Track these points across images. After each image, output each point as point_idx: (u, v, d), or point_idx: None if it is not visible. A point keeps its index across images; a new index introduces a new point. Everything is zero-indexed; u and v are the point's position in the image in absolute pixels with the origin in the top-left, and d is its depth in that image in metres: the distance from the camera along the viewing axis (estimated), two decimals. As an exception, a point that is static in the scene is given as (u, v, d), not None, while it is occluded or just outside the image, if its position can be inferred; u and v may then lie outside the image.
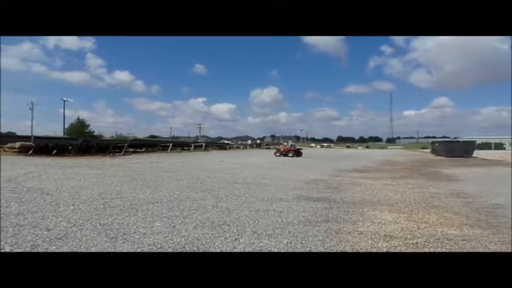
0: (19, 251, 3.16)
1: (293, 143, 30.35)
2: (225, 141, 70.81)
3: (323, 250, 3.41)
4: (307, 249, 3.43)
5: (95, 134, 42.25)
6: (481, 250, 3.49)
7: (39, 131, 34.48)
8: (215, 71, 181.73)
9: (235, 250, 3.36)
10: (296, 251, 3.38)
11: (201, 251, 3.32)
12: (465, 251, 3.45)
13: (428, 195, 7.28)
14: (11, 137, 26.97)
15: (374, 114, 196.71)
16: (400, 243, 3.70)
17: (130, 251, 3.25)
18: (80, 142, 21.99)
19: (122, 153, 22.92)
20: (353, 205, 5.95)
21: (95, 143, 23.84)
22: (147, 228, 4.04)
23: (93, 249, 3.25)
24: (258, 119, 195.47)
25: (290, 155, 25.66)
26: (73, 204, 5.31)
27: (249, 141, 79.51)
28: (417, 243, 3.70)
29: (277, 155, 26.26)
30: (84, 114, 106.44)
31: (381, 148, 79.40)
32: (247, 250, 3.37)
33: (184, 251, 3.30)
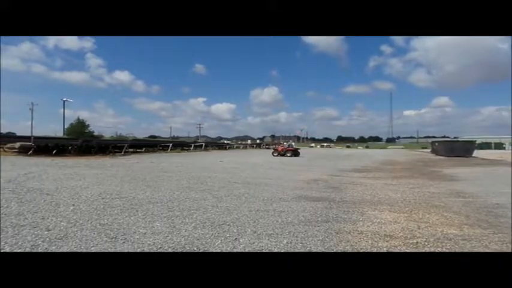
0: (19, 251, 3.16)
1: (291, 143, 30.34)
2: (225, 141, 70.82)
3: (323, 250, 3.41)
4: (307, 249, 3.43)
5: (94, 134, 42.24)
6: (481, 250, 3.49)
7: (39, 131, 34.56)
8: (215, 71, 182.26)
9: (235, 250, 3.36)
10: (296, 251, 3.38)
11: (201, 251, 3.31)
12: (465, 251, 3.45)
13: (429, 195, 7.28)
14: (11, 137, 27.00)
15: (374, 114, 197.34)
16: (400, 243, 3.70)
17: (130, 251, 3.25)
18: (80, 142, 22.00)
19: (122, 153, 22.92)
20: (353, 205, 5.94)
21: (95, 143, 23.85)
22: (147, 228, 4.04)
23: (93, 249, 3.25)
24: (258, 118, 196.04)
25: (288, 154, 25.63)
26: (73, 205, 5.31)
27: (249, 141, 79.56)
28: (417, 243, 3.70)
29: (275, 154, 26.24)
30: (84, 115, 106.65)
31: (381, 148, 79.39)
32: (247, 250, 3.37)
33: (184, 251, 3.30)
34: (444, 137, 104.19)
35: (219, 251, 3.33)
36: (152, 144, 33.14)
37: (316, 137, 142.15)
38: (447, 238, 3.89)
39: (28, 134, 23.46)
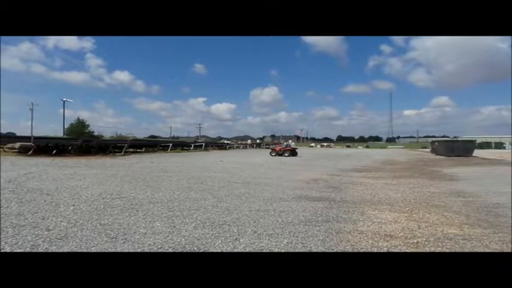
0: (19, 251, 3.16)
1: (289, 143, 30.43)
2: (225, 141, 70.83)
3: (323, 250, 3.42)
4: (307, 249, 3.43)
5: (94, 134, 42.23)
6: (481, 249, 3.49)
7: (39, 131, 34.56)
8: (215, 70, 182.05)
9: (235, 250, 3.36)
10: (296, 251, 3.38)
11: (201, 251, 3.32)
12: (465, 251, 3.45)
13: (429, 195, 7.28)
14: (11, 137, 26.97)
15: (374, 114, 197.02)
16: (401, 242, 3.70)
17: (130, 251, 3.25)
18: (80, 142, 22.00)
19: (122, 153, 22.93)
20: (353, 205, 5.94)
21: (95, 143, 23.84)
22: (147, 228, 4.04)
23: (93, 249, 3.25)
24: (258, 118, 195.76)
25: (286, 154, 25.69)
26: (73, 205, 5.32)
27: (249, 141, 79.58)
28: (418, 242, 3.70)
29: (272, 154, 26.25)
30: (84, 115, 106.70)
31: (381, 147, 79.39)
32: (247, 250, 3.37)
33: (185, 251, 3.30)
34: (444, 136, 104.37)
35: (219, 251, 3.33)
36: (152, 144, 33.15)
37: (316, 137, 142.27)
38: (447, 238, 3.89)
39: (28, 134, 23.45)
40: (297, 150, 27.70)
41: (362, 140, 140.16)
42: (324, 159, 23.24)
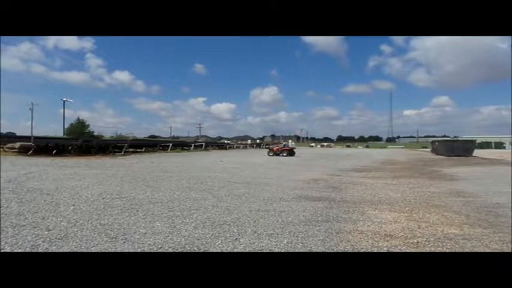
0: (19, 251, 3.16)
1: (286, 143, 30.54)
2: (225, 141, 70.84)
3: (323, 250, 3.42)
4: (307, 249, 3.43)
5: (94, 134, 42.23)
6: (481, 249, 3.50)
7: (39, 131, 34.56)
8: (215, 70, 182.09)
9: (235, 250, 3.36)
10: (296, 251, 3.38)
11: (201, 251, 3.32)
12: (465, 251, 3.45)
13: (429, 195, 7.28)
14: (11, 137, 26.96)
15: (374, 114, 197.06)
16: (401, 242, 3.70)
17: (130, 251, 3.25)
18: (80, 142, 22.00)
19: (122, 153, 22.93)
20: (353, 205, 5.94)
21: (95, 143, 23.84)
22: (147, 228, 4.04)
23: (93, 249, 3.25)
24: (258, 118, 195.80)
25: (284, 154, 25.74)
26: (73, 205, 5.32)
27: (249, 141, 79.59)
28: (418, 242, 3.70)
29: (270, 154, 26.26)
30: (84, 115, 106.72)
31: (381, 147, 79.39)
32: (247, 250, 3.37)
33: (185, 251, 3.30)
34: (444, 136, 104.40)
35: (219, 251, 3.33)
36: (152, 144, 33.15)
37: (316, 137, 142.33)
38: (447, 238, 3.89)
39: (28, 134, 23.45)
40: (294, 150, 27.77)
41: (362, 140, 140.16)
42: (324, 159, 23.24)
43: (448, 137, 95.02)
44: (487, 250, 3.47)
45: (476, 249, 3.49)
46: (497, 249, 3.49)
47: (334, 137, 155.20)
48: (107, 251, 3.23)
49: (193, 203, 5.70)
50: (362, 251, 3.41)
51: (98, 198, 5.95)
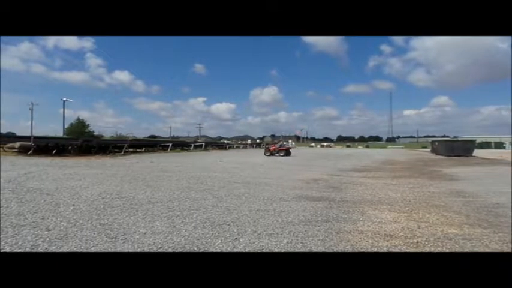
0: (19, 251, 3.16)
1: (283, 143, 30.70)
2: (225, 141, 70.82)
3: (323, 250, 3.41)
4: (307, 249, 3.43)
5: (94, 134, 42.25)
6: (481, 249, 3.50)
7: (39, 131, 34.58)
8: (215, 70, 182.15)
9: (235, 250, 3.36)
10: (296, 251, 3.38)
11: (201, 251, 3.32)
12: (465, 251, 3.45)
13: (429, 195, 7.28)
14: (10, 137, 26.95)
15: (374, 114, 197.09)
16: (401, 242, 3.70)
17: (130, 251, 3.25)
18: (80, 142, 22.00)
19: (122, 153, 22.93)
20: (353, 204, 5.94)
21: (95, 143, 23.84)
22: (147, 228, 4.04)
23: (93, 249, 3.25)
24: (258, 118, 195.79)
25: (281, 154, 25.83)
26: (73, 204, 5.31)
27: (249, 141, 79.61)
28: (418, 242, 3.70)
29: (266, 154, 26.29)
30: (84, 114, 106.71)
31: (381, 147, 79.36)
32: (247, 250, 3.37)
33: (184, 251, 3.30)
34: (444, 136, 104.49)
35: (219, 251, 3.33)
36: (152, 144, 33.14)
37: (316, 137, 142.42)
38: (447, 238, 3.89)
39: (28, 133, 23.46)
40: (290, 150, 27.99)
41: (362, 140, 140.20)
42: (324, 159, 23.24)
43: (448, 137, 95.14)
44: (487, 250, 3.47)
45: (476, 249, 3.49)
46: (497, 249, 3.49)
47: (334, 137, 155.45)
48: (106, 251, 3.23)
49: (193, 203, 5.70)
50: (362, 251, 3.41)
51: (97, 198, 5.95)
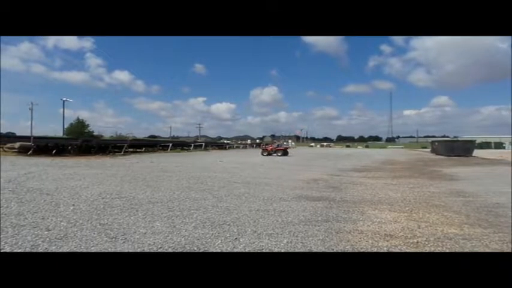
0: (19, 251, 3.16)
1: (280, 143, 30.85)
2: (225, 141, 70.82)
3: (323, 250, 3.41)
4: (307, 249, 3.43)
5: (94, 134, 42.26)
6: (481, 249, 3.50)
7: (39, 131, 34.56)
8: (215, 70, 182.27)
9: (235, 250, 3.36)
10: (296, 251, 3.38)
11: (201, 251, 3.32)
12: (465, 251, 3.45)
13: (429, 195, 7.28)
14: (10, 137, 26.95)
15: (374, 114, 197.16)
16: (401, 242, 3.70)
17: (130, 251, 3.25)
18: (80, 142, 22.00)
19: (122, 153, 22.93)
20: (353, 204, 5.94)
21: (95, 143, 23.85)
22: (147, 228, 4.04)
23: (93, 249, 3.25)
24: (258, 118, 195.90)
25: (279, 154, 25.91)
26: (73, 204, 5.31)
27: (249, 141, 79.61)
28: (418, 242, 3.70)
29: (264, 154, 26.32)
30: (84, 114, 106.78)
31: (381, 147, 79.38)
32: (247, 250, 3.37)
33: (184, 251, 3.30)
34: (444, 136, 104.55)
35: (219, 251, 3.33)
36: (152, 144, 33.14)
37: (316, 137, 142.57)
38: (447, 237, 3.89)
39: (28, 133, 23.44)
40: (290, 149, 28.08)
41: (362, 139, 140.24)
42: (324, 159, 23.24)
43: (447, 137, 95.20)
44: (487, 250, 3.47)
45: (476, 249, 3.49)
46: (497, 249, 3.49)
47: (334, 137, 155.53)
48: (106, 251, 3.23)
49: (193, 203, 5.70)
50: (362, 251, 3.41)
51: (97, 198, 5.95)
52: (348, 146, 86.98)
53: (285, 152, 26.49)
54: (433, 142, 39.27)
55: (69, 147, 20.50)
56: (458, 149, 28.18)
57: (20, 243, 3.36)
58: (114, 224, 4.21)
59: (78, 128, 39.77)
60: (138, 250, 3.28)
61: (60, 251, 3.20)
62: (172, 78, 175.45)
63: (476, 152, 29.72)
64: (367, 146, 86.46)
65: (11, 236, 3.56)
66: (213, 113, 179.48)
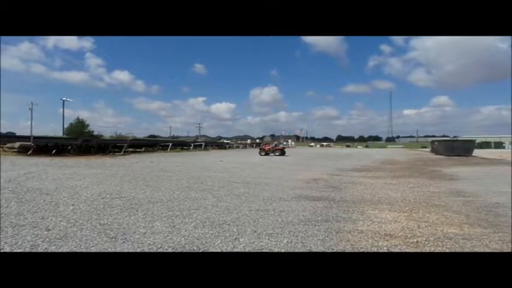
0: (19, 251, 3.15)
1: (277, 143, 30.97)
2: (225, 141, 70.82)
3: (323, 250, 3.41)
4: (307, 249, 3.43)
5: (94, 133, 42.24)
6: (481, 249, 3.50)
7: (39, 131, 34.54)
8: (215, 70, 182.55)
9: (235, 250, 3.36)
10: (296, 250, 3.38)
11: (201, 250, 3.32)
12: (465, 251, 3.45)
13: (429, 194, 7.28)
14: (10, 137, 26.93)
15: (374, 114, 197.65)
16: (401, 242, 3.70)
17: (130, 251, 3.25)
18: (80, 142, 21.99)
19: (122, 153, 22.92)
20: (353, 204, 5.94)
21: (95, 142, 23.84)
22: (147, 228, 4.04)
23: (93, 249, 3.25)
24: (258, 118, 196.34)
25: (277, 154, 25.95)
26: (73, 204, 5.31)
27: (249, 141, 79.60)
28: (417, 242, 3.70)
29: (262, 154, 26.33)
30: (84, 114, 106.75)
31: (381, 147, 79.39)
32: (247, 250, 3.37)
33: (184, 251, 3.30)
34: (444, 136, 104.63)
35: (219, 250, 3.33)
36: (152, 144, 33.14)
37: (316, 137, 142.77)
38: (447, 237, 3.89)
39: (28, 133, 23.42)
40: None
41: (362, 139, 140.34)
42: (324, 159, 23.24)
43: (447, 136, 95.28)
44: (487, 250, 3.47)
45: (476, 249, 3.49)
46: (497, 249, 3.49)
47: (334, 137, 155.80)
48: (106, 251, 3.23)
49: (193, 203, 5.70)
50: (362, 250, 3.41)
51: (97, 198, 5.95)
52: (347, 146, 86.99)
53: (282, 152, 26.52)
54: (433, 142, 39.30)
55: (69, 147, 20.49)
56: (458, 148, 28.21)
57: (19, 243, 3.35)
58: (114, 224, 4.21)
59: (78, 128, 39.76)
60: (138, 250, 3.28)
61: (60, 251, 3.20)
62: (172, 78, 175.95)
63: (476, 152, 29.74)
64: (367, 146, 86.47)
65: (10, 236, 3.56)
66: (212, 113, 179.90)
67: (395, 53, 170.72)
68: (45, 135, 30.48)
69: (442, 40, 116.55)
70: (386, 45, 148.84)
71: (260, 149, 28.92)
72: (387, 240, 3.76)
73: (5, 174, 8.72)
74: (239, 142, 67.04)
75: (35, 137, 21.11)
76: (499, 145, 65.84)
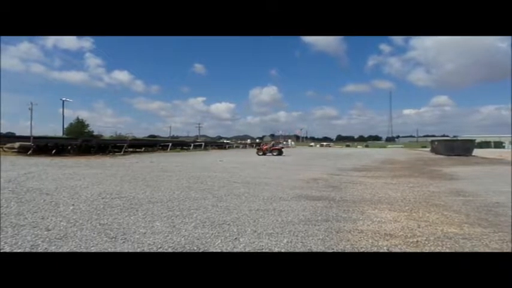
0: (19, 251, 3.15)
1: (275, 143, 31.09)
2: (225, 141, 70.79)
3: (323, 249, 3.42)
4: (307, 249, 3.43)
5: (94, 133, 42.24)
6: (481, 249, 3.50)
7: (38, 131, 34.51)
8: (214, 70, 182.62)
9: (235, 250, 3.36)
10: (296, 250, 3.38)
11: (201, 250, 3.32)
12: (465, 251, 3.45)
13: (429, 194, 7.28)
14: (10, 137, 26.91)
15: (373, 113, 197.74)
16: (401, 241, 3.70)
17: (130, 251, 3.25)
18: (80, 142, 21.97)
19: (122, 153, 22.91)
20: (353, 204, 5.95)
21: (95, 142, 23.82)
22: (147, 228, 4.04)
23: (93, 249, 3.25)
24: (258, 118, 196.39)
25: (275, 153, 25.98)
26: (73, 204, 5.31)
27: (249, 141, 79.52)
28: (417, 241, 3.70)
29: (259, 154, 26.33)
30: (83, 114, 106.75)
31: (381, 147, 79.37)
32: (247, 250, 3.37)
33: (184, 251, 3.30)
34: (444, 136, 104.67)
35: (219, 250, 3.33)
36: (152, 144, 33.11)
37: (316, 136, 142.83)
38: (447, 237, 3.89)
39: (27, 133, 23.40)
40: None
41: (361, 139, 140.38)
42: (324, 159, 23.24)
43: (447, 136, 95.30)
44: (487, 250, 3.48)
45: (476, 249, 3.49)
46: (497, 249, 3.49)
47: (334, 137, 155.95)
48: (106, 251, 3.23)
49: (193, 203, 5.70)
50: (362, 250, 3.42)
51: (97, 198, 5.95)
52: (347, 146, 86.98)
53: (279, 152, 26.54)
54: (432, 141, 39.32)
55: (69, 147, 20.48)
56: (458, 148, 28.22)
57: (19, 243, 3.35)
58: (114, 224, 4.21)
59: (78, 128, 39.76)
60: (138, 250, 3.28)
61: (60, 251, 3.20)
62: (171, 78, 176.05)
63: (476, 152, 29.77)
64: (366, 146, 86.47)
65: (10, 236, 3.56)
66: (212, 113, 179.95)
67: (395, 53, 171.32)
68: (45, 135, 30.45)
69: (441, 40, 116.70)
70: (386, 44, 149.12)
71: (258, 148, 28.93)
72: (387, 240, 3.76)
73: (5, 174, 8.72)
74: (239, 142, 66.96)
75: (35, 137, 21.10)
76: (498, 145, 65.89)
